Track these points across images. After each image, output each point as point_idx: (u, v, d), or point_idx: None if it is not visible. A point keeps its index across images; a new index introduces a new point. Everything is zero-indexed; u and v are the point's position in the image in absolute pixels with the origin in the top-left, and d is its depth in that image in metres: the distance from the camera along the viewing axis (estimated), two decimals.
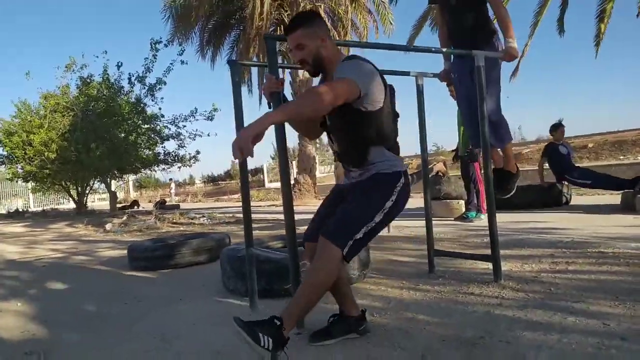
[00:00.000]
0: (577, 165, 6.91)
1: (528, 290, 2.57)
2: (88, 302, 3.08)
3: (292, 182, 13.59)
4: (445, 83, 5.35)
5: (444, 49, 2.80)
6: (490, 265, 2.86)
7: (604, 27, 7.61)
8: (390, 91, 2.05)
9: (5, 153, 12.47)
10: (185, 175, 36.35)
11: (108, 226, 7.69)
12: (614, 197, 6.50)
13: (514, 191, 3.44)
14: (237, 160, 1.89)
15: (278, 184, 17.62)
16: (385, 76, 2.06)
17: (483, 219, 5.48)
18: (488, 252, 2.87)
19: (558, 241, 3.89)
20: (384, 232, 5.23)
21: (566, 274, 2.84)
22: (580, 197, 7.04)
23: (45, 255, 5.50)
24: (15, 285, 3.84)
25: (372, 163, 2.00)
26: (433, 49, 2.70)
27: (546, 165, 7.02)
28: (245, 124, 2.57)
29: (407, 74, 3.00)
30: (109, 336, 2.35)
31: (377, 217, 1.91)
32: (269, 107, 2.16)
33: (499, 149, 3.35)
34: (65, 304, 3.13)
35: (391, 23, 11.43)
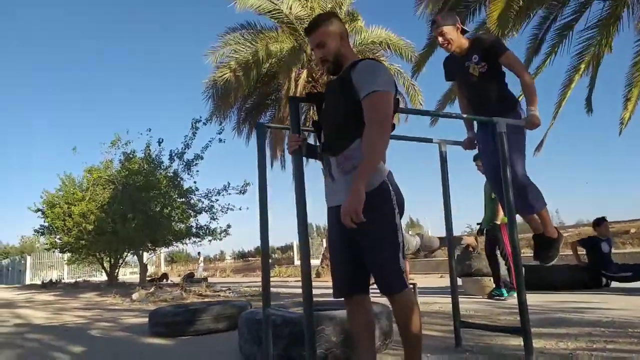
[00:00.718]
0: (614, 261, 6.59)
1: None
2: None
3: (321, 258, 13.42)
4: (475, 163, 5.43)
5: (464, 115, 2.84)
6: (521, 342, 2.68)
7: (630, 113, 7.63)
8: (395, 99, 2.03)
9: (47, 224, 12.99)
10: (216, 251, 36.56)
11: (134, 296, 7.70)
12: None
13: (556, 258, 3.27)
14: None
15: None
16: (409, 144, 2.09)
17: (514, 295, 5.23)
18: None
19: (597, 320, 3.64)
20: None
21: (604, 352, 2.63)
22: None
23: (70, 320, 5.51)
24: (35, 346, 3.84)
25: (354, 158, 1.94)
26: (454, 115, 2.76)
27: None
28: (268, 193, 2.63)
29: (429, 140, 3.05)
30: None
31: (399, 237, 1.92)
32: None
33: (535, 215, 3.22)
34: None
35: (421, 104, 11.82)
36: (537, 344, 2.78)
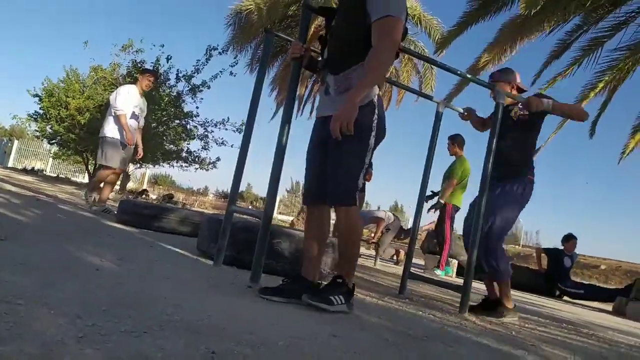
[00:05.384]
0: (572, 279, 6.93)
1: (489, 328, 2.50)
2: (61, 227, 3.13)
3: (297, 211, 13.59)
4: (448, 142, 5.54)
5: (469, 76, 2.84)
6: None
7: (635, 143, 7.69)
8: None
9: (41, 111, 12.90)
10: (201, 185, 36.63)
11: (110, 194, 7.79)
12: (607, 305, 6.35)
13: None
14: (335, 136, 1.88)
15: (288, 217, 17.62)
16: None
17: (438, 274, 5.51)
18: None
19: (536, 312, 3.80)
20: (369, 264, 5.21)
21: (532, 331, 2.76)
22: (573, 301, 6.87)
23: (42, 196, 5.60)
24: (4, 203, 3.93)
25: (352, 79, 1.99)
26: (459, 72, 2.77)
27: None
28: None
29: (430, 97, 3.10)
30: (72, 245, 2.38)
31: (367, 158, 2.00)
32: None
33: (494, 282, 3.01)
34: (40, 223, 3.18)
35: (432, 89, 11.74)
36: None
